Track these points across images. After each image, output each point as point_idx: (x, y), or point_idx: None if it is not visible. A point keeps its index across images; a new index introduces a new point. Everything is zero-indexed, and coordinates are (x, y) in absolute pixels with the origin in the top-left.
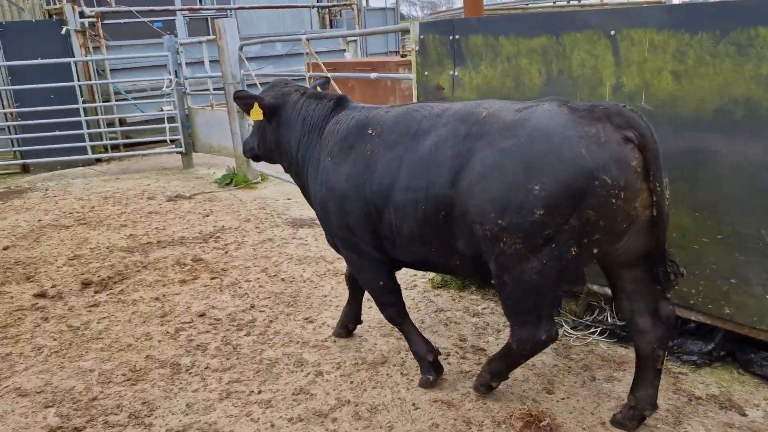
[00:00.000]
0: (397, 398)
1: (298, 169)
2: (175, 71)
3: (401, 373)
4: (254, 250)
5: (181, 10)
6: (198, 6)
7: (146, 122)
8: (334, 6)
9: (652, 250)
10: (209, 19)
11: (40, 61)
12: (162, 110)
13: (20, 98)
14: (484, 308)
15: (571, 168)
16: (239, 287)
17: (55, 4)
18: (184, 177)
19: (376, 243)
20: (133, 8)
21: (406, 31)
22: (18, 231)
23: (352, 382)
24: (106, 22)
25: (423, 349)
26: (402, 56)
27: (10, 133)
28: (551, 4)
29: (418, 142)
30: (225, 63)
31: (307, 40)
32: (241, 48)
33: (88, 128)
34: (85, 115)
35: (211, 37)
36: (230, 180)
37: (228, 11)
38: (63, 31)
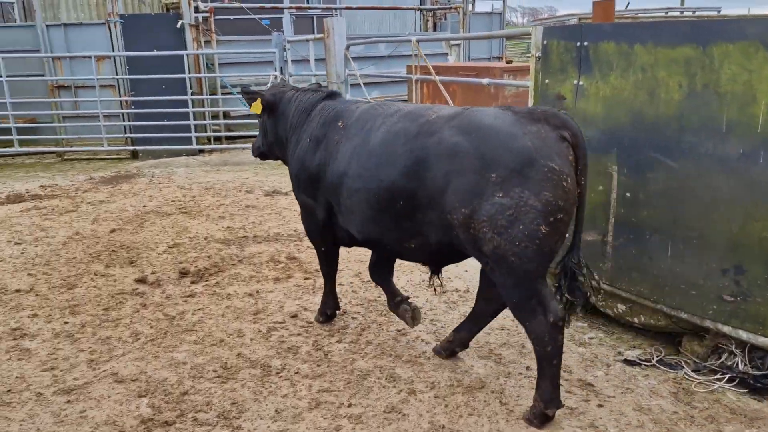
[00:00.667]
0: (495, 429)
1: (288, 147)
2: (281, 68)
3: (500, 402)
4: (347, 253)
5: (290, 8)
6: (306, 5)
7: (249, 116)
8: (439, 9)
9: (571, 243)
10: (315, 18)
11: (156, 53)
12: None
13: (135, 87)
14: (592, 338)
15: (520, 157)
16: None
17: None
18: (282, 173)
19: (330, 216)
20: (244, 5)
21: (515, 37)
22: (124, 215)
23: (446, 406)
24: (217, 17)
25: (330, 304)
26: (508, 62)
27: (123, 120)
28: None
29: (369, 137)
30: (331, 62)
31: (417, 41)
32: (347, 47)
33: (194, 119)
34: (192, 107)
35: (319, 35)
36: None
37: (334, 11)
38: (178, 25)
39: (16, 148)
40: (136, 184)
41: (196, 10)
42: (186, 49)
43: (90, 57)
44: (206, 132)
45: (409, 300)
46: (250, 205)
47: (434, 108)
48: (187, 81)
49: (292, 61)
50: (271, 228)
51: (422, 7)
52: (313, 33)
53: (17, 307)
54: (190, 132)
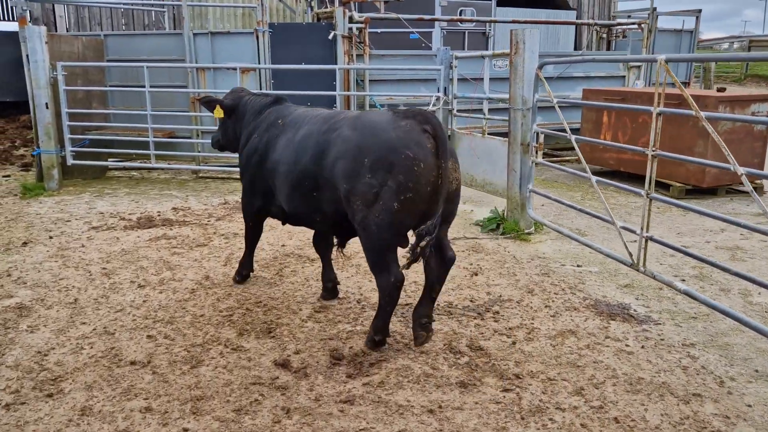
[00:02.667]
0: None
1: (239, 139)
2: (445, 87)
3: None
4: (553, 348)
5: (456, 20)
6: (469, 17)
7: None
8: (617, 25)
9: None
10: (467, 33)
11: (306, 66)
12: None
13: None
14: None
15: (386, 146)
16: (549, 418)
17: (325, 6)
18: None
19: (265, 197)
20: (402, 15)
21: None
22: (260, 256)
23: None
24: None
25: (246, 264)
26: (720, 90)
27: None
28: None
29: (297, 132)
30: (516, 83)
31: (666, 61)
32: (540, 67)
33: None
34: None
35: (499, 51)
36: (496, 225)
37: (487, 25)
38: (330, 36)
39: (152, 163)
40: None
41: (350, 20)
42: (335, 62)
43: (235, 69)
44: None
45: (338, 281)
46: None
47: (344, 112)
48: (338, 99)
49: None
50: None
51: (599, 22)
52: (463, 48)
53: (129, 391)
54: None
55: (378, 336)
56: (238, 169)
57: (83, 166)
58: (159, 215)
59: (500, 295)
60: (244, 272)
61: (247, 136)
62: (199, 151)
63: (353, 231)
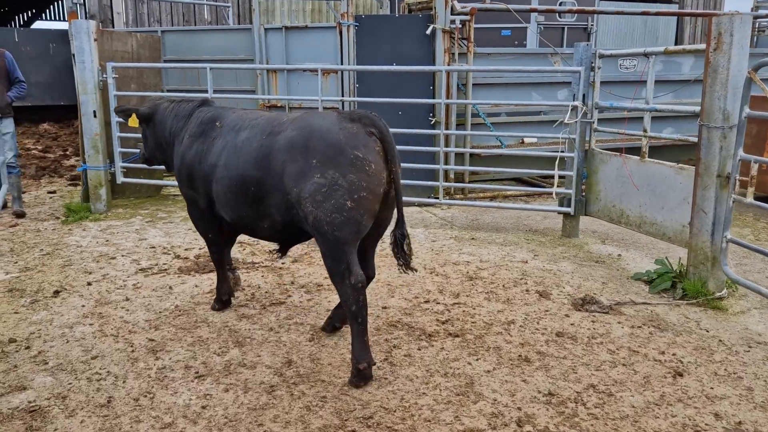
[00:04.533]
0: None
1: (169, 149)
2: (584, 94)
3: None
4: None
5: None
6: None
7: (505, 159)
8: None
9: (397, 219)
10: (566, 28)
11: (396, 67)
12: (522, 142)
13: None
14: None
15: (334, 146)
16: None
17: None
18: (571, 253)
19: (210, 204)
20: (512, 6)
21: None
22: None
23: None
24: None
25: (224, 289)
26: None
27: None
28: None
29: (237, 136)
30: (715, 91)
31: None
32: (756, 68)
33: (433, 160)
34: (433, 143)
35: (679, 47)
36: (671, 284)
37: (588, 19)
38: (428, 31)
39: None
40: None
41: (452, 11)
42: (433, 62)
43: (315, 71)
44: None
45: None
46: (561, 331)
47: (290, 114)
48: (442, 107)
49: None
50: (628, 408)
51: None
52: (562, 46)
53: None
54: (431, 175)
55: (362, 363)
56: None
57: (135, 185)
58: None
59: (739, 423)
60: (224, 298)
61: (178, 143)
62: None
63: (298, 237)
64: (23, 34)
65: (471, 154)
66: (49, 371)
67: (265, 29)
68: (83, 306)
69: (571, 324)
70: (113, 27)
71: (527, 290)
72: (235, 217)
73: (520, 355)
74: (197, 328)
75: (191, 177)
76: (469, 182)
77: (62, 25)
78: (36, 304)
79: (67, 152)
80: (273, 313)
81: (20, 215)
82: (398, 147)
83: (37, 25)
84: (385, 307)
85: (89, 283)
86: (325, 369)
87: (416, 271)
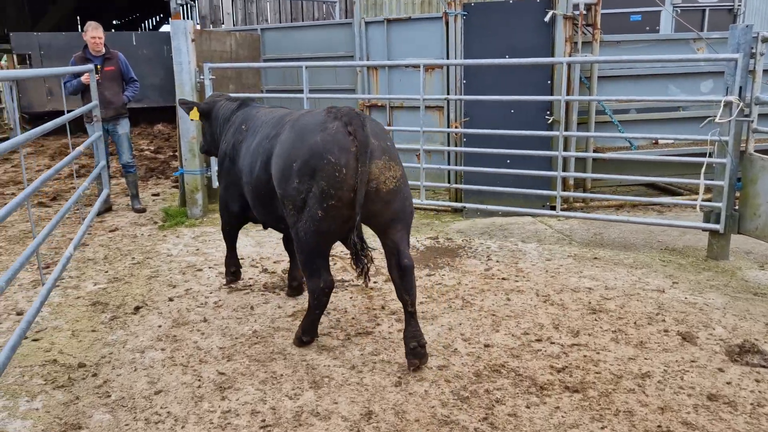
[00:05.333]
0: None
1: (218, 144)
2: (740, 87)
3: None
4: None
5: None
6: None
7: (630, 164)
8: None
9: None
10: (707, 10)
11: (509, 60)
12: (656, 143)
13: (471, 111)
14: None
15: (310, 151)
16: None
17: None
18: (720, 281)
19: (242, 208)
20: None
21: None
22: (455, 368)
23: None
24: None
25: (233, 264)
26: None
27: (448, 160)
28: None
29: (254, 138)
30: None
31: None
32: None
33: (550, 166)
34: (550, 145)
35: None
36: None
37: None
38: (547, 18)
39: None
40: (466, 269)
41: None
42: (552, 54)
43: (417, 66)
44: (562, 184)
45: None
46: (715, 394)
47: (295, 112)
48: (561, 105)
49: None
50: None
51: None
52: (702, 30)
53: None
54: (548, 183)
55: (306, 336)
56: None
57: None
58: (336, 257)
59: None
60: (233, 269)
61: (222, 142)
62: None
63: None
64: (140, 37)
65: (594, 158)
66: (109, 407)
67: (366, 23)
68: (160, 326)
69: (727, 382)
70: (223, 26)
71: (666, 330)
72: (260, 217)
73: (659, 426)
74: (273, 360)
75: (228, 179)
76: (591, 190)
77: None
78: (115, 321)
79: (176, 153)
80: (358, 345)
81: (140, 211)
82: (510, 150)
83: (165, 28)
84: (487, 345)
85: (171, 299)
86: (410, 427)
87: (368, 284)
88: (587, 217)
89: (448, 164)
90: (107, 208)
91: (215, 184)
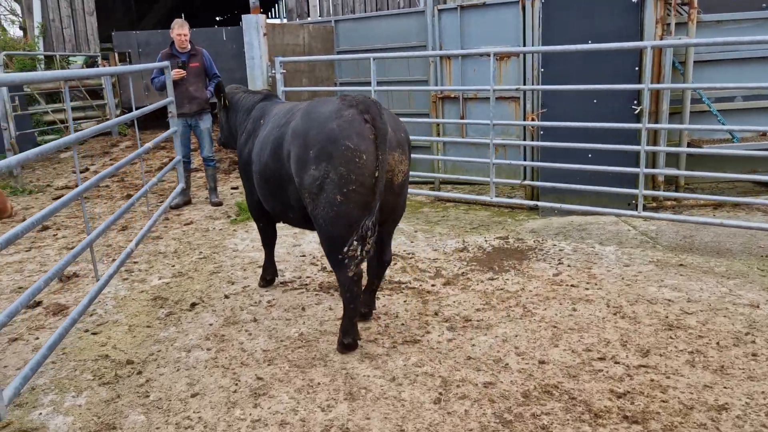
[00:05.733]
0: None
1: (235, 137)
2: None
3: None
4: None
5: None
6: None
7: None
8: None
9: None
10: None
11: (591, 46)
12: (764, 135)
13: (549, 101)
14: None
15: (326, 137)
16: None
17: None
18: None
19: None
20: None
21: None
22: (522, 377)
23: None
24: None
25: (270, 271)
26: None
27: (524, 155)
28: None
29: (265, 129)
30: None
31: None
32: None
33: (635, 161)
34: (638, 139)
35: None
36: None
37: None
38: None
39: None
40: (533, 274)
41: None
42: (641, 38)
43: (488, 55)
44: (649, 182)
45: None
46: None
47: (304, 103)
48: (646, 94)
49: None
50: None
51: None
52: None
53: None
54: (633, 179)
55: (347, 338)
56: (486, 199)
57: None
58: (398, 257)
59: None
60: (268, 277)
61: (240, 134)
62: (440, 168)
63: None
64: (230, 32)
65: (690, 144)
66: (146, 408)
67: (439, 11)
68: (211, 325)
69: None
70: (309, 18)
71: (754, 354)
72: (270, 209)
73: None
74: (312, 367)
75: (246, 171)
76: (687, 188)
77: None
78: (170, 317)
79: None
80: (402, 355)
81: (217, 204)
82: (590, 145)
83: None
84: (542, 362)
85: (226, 296)
86: None
87: (359, 276)
88: (675, 219)
89: (524, 159)
90: (186, 201)
91: None
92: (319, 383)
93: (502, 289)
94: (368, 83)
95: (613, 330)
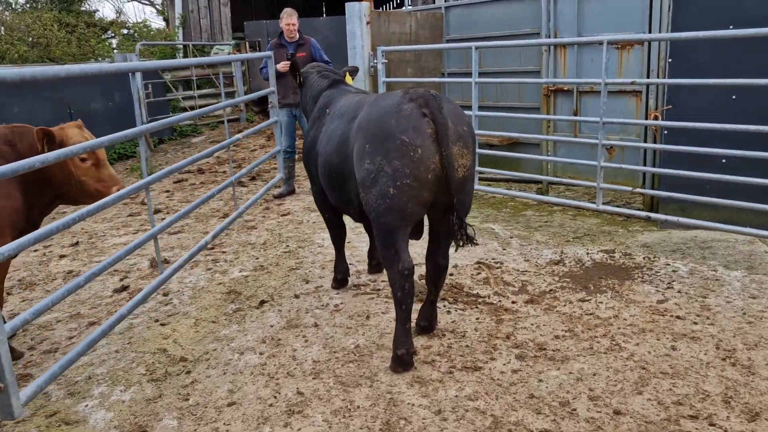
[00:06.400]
0: None
1: (306, 114)
2: None
3: None
4: None
5: None
6: None
7: None
8: None
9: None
10: None
11: (732, 32)
12: None
13: (676, 97)
14: None
15: (384, 132)
16: None
17: None
18: None
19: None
20: None
21: None
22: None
23: None
24: None
25: (340, 269)
26: None
27: (644, 159)
28: None
29: (332, 123)
30: None
31: None
32: None
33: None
34: None
35: None
36: None
37: None
38: None
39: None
40: (633, 298)
41: None
42: None
43: (609, 43)
44: None
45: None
46: None
47: (372, 96)
48: None
49: None
50: None
51: None
52: None
53: None
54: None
55: (400, 349)
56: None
57: None
58: (453, 272)
59: None
60: (339, 277)
61: (308, 118)
62: (548, 170)
63: None
64: (327, 22)
65: None
66: (181, 412)
67: None
68: (272, 326)
69: None
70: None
71: None
72: (333, 202)
73: None
74: (358, 386)
75: (312, 161)
76: None
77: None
78: (236, 314)
79: None
80: (458, 383)
81: (285, 195)
82: (725, 151)
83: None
84: (617, 413)
85: (296, 296)
86: None
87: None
88: None
89: (643, 163)
90: (290, 191)
91: None
92: (358, 406)
93: (591, 314)
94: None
95: (716, 380)
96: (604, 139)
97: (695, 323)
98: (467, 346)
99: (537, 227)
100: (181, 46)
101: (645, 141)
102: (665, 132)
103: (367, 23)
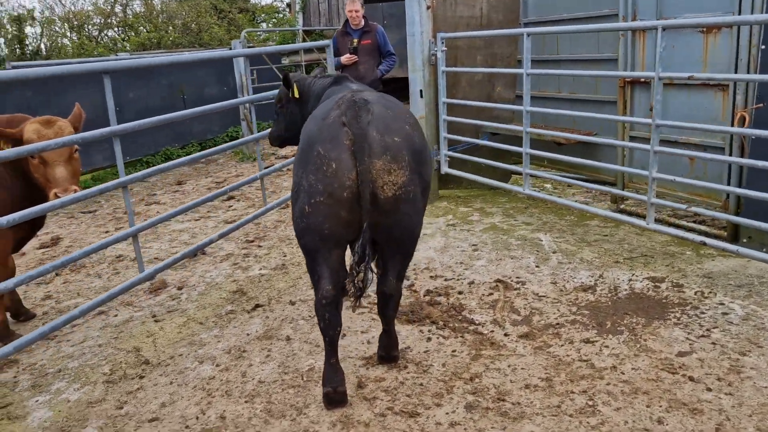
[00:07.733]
0: None
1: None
2: None
3: None
4: None
5: None
6: None
7: None
8: None
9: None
10: None
11: None
12: None
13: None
14: None
15: (305, 141)
16: None
17: None
18: None
19: None
20: None
21: None
22: None
23: None
24: None
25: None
26: None
27: (729, 176)
28: None
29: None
30: None
31: None
32: None
33: None
34: None
35: None
36: None
37: None
38: None
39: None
40: (649, 346)
41: None
42: None
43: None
44: None
45: None
46: None
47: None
48: None
49: None
50: None
51: None
52: None
53: None
54: None
55: (326, 387)
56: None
57: (459, 177)
58: (464, 290)
59: None
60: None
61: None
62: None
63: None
64: (388, 8)
65: None
66: (106, 422)
67: None
68: (248, 335)
69: None
70: None
71: None
72: None
73: None
74: (281, 418)
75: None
76: None
77: None
78: (226, 317)
79: None
80: (385, 431)
81: None
82: None
83: None
84: None
85: (292, 303)
86: None
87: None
88: None
89: (729, 177)
90: None
91: (444, 169)
92: None
93: (586, 361)
94: (551, 61)
95: None
96: (682, 142)
97: (709, 389)
98: (422, 384)
99: (591, 241)
100: (301, 31)
101: (731, 148)
102: (752, 139)
103: (428, 7)
